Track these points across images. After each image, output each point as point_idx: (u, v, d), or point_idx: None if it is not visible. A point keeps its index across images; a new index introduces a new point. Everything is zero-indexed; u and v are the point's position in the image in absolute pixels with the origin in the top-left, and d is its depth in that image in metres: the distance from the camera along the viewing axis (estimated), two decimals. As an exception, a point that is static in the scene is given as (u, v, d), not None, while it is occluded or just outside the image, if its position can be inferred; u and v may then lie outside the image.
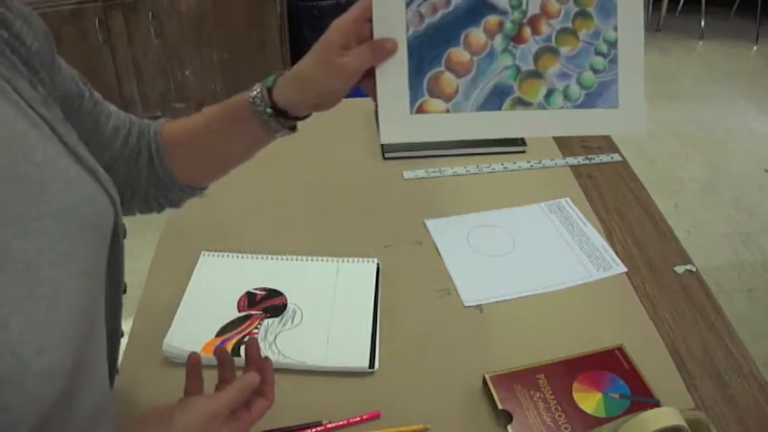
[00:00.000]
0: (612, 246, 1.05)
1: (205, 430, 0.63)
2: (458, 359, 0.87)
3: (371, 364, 0.85)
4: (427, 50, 0.70)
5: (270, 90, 0.72)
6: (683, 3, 4.36)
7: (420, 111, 0.71)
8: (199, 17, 2.70)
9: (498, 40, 0.71)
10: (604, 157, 1.28)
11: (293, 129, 0.76)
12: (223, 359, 0.71)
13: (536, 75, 0.73)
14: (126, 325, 0.90)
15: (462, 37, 0.71)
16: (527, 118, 0.73)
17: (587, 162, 1.26)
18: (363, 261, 1.00)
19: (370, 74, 0.69)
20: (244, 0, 2.73)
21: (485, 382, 0.81)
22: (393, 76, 0.70)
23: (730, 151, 3.16)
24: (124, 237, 0.79)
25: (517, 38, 0.72)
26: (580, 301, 0.96)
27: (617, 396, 0.80)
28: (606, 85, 0.74)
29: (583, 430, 0.75)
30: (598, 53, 0.74)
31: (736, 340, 0.90)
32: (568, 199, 1.15)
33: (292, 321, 0.90)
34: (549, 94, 0.73)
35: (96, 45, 2.63)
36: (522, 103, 0.73)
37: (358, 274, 0.98)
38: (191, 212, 1.12)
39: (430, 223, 1.09)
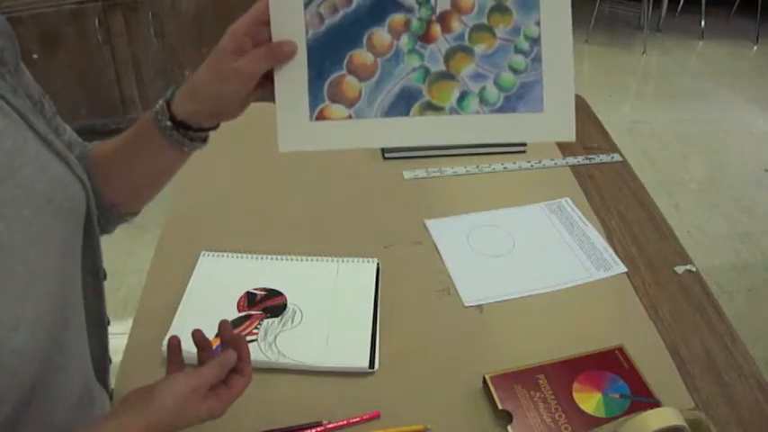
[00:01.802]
0: (612, 246, 1.05)
1: (185, 405, 0.63)
2: (458, 359, 0.87)
3: (371, 364, 0.85)
4: (328, 53, 0.66)
5: (169, 103, 0.70)
6: (683, 3, 4.37)
7: (320, 117, 0.67)
8: (199, 17, 2.70)
9: (405, 40, 0.67)
10: (604, 157, 1.28)
11: (203, 141, 0.73)
12: (201, 343, 0.71)
13: (447, 76, 0.67)
14: (126, 325, 0.91)
15: (365, 38, 0.66)
16: (438, 124, 0.68)
17: (587, 162, 1.26)
18: (363, 261, 1.00)
19: (271, 78, 0.66)
20: (244, 0, 2.73)
21: (485, 382, 0.81)
22: (292, 81, 0.66)
23: (730, 151, 3.16)
24: (102, 228, 0.79)
25: (425, 37, 0.67)
26: (580, 301, 0.96)
27: (617, 396, 0.80)
28: (528, 86, 0.68)
29: (583, 430, 0.75)
30: (518, 51, 0.67)
31: (737, 340, 0.90)
32: (568, 199, 1.15)
33: (292, 321, 0.90)
34: (463, 97, 0.68)
35: (96, 45, 2.62)
36: (431, 107, 0.67)
37: (358, 274, 0.98)
38: (191, 212, 1.13)
39: (430, 223, 1.09)
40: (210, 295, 0.94)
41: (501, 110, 0.68)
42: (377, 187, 1.18)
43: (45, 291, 0.59)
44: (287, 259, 1.00)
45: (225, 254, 1.01)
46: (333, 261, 1.00)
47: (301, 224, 1.09)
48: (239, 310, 0.91)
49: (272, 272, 0.98)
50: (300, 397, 0.81)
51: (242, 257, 1.01)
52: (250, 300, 0.93)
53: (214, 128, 0.73)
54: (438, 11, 0.66)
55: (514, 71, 0.68)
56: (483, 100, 0.68)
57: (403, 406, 0.80)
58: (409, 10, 0.66)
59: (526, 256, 1.04)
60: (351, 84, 0.67)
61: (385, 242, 1.05)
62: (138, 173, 0.77)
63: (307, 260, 1.00)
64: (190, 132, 0.71)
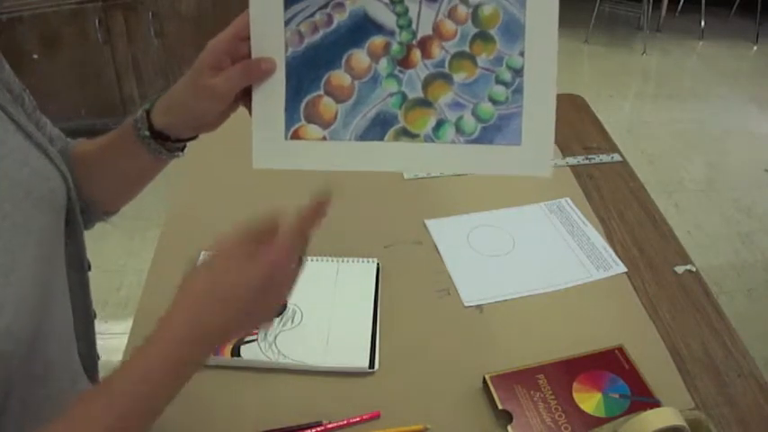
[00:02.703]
0: (612, 246, 1.05)
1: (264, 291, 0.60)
2: (458, 359, 0.86)
3: (371, 364, 0.85)
4: (306, 72, 0.65)
5: (149, 112, 0.71)
6: (683, 3, 4.37)
7: (295, 136, 0.67)
8: (199, 17, 2.70)
9: (383, 64, 0.65)
10: (604, 157, 1.28)
11: (181, 150, 0.74)
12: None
13: (424, 103, 0.65)
14: (126, 325, 0.91)
15: (344, 59, 0.65)
16: (412, 151, 0.67)
17: (587, 162, 1.26)
18: (363, 261, 1.00)
19: (251, 93, 0.66)
20: (243, 0, 2.73)
21: (485, 382, 0.81)
22: (269, 98, 0.66)
23: (730, 151, 3.16)
24: (85, 217, 0.79)
25: (405, 61, 0.65)
26: (580, 301, 0.96)
27: (617, 396, 0.80)
28: (507, 118, 0.66)
29: (583, 430, 0.75)
30: (499, 82, 0.65)
31: (736, 340, 0.90)
32: (568, 199, 1.15)
33: (292, 321, 0.90)
34: (439, 125, 0.66)
35: (96, 45, 2.63)
36: (406, 134, 0.66)
37: (358, 274, 0.98)
38: (191, 212, 1.13)
39: (430, 223, 1.09)
40: (210, 295, 0.94)
41: (477, 141, 0.66)
42: (377, 187, 1.18)
43: (27, 276, 0.60)
44: (287, 259, 1.00)
45: (225, 254, 1.01)
46: (333, 261, 1.00)
47: (301, 224, 1.09)
48: (239, 310, 0.91)
49: (272, 272, 0.98)
50: (300, 397, 0.81)
51: (242, 257, 1.00)
52: (250, 300, 0.93)
53: (192, 138, 0.73)
54: (419, 36, 0.65)
55: (494, 102, 0.66)
56: (459, 129, 0.66)
57: (403, 406, 0.80)
58: (390, 33, 0.65)
59: (526, 256, 1.04)
60: (327, 105, 0.66)
61: (385, 242, 1.05)
62: (117, 174, 0.78)
63: (307, 260, 1.00)
64: (168, 143, 0.72)
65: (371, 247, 1.03)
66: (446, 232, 1.08)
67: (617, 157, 1.28)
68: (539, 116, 0.66)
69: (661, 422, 0.67)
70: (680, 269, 1.02)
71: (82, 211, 0.79)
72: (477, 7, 0.64)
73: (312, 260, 1.01)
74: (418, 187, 1.19)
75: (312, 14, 0.65)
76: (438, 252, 1.04)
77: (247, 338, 0.87)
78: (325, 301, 0.93)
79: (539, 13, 0.64)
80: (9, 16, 2.46)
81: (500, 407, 0.78)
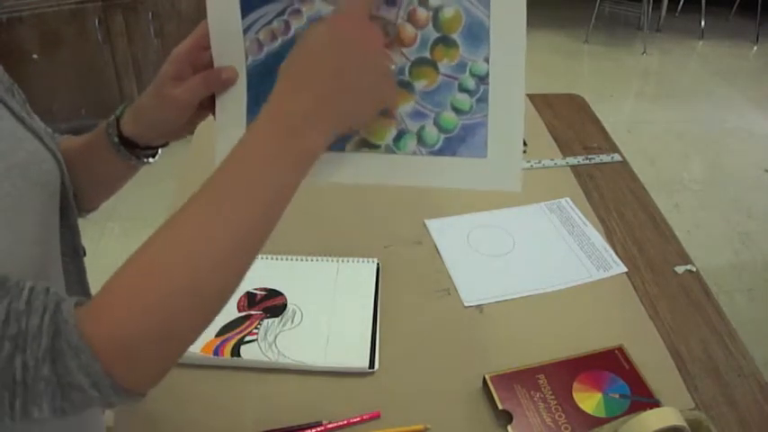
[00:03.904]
0: (612, 246, 1.05)
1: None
2: (458, 359, 0.86)
3: (371, 364, 0.85)
4: (267, 80, 0.61)
5: (119, 120, 0.72)
6: (683, 3, 4.37)
7: None
8: (199, 17, 2.69)
9: None
10: (604, 157, 1.28)
11: (153, 156, 0.75)
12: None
13: (384, 113, 0.62)
14: (126, 325, 0.90)
15: None
16: (373, 162, 0.64)
17: (587, 162, 1.26)
18: (363, 261, 1.00)
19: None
20: (244, 0, 2.73)
21: (485, 382, 0.81)
22: (231, 107, 0.65)
23: (730, 151, 3.16)
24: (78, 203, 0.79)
25: None
26: (580, 301, 0.96)
27: (617, 396, 0.80)
28: (471, 128, 0.62)
29: (583, 430, 0.75)
30: (463, 89, 0.61)
31: (736, 340, 0.90)
32: (568, 199, 1.15)
33: (292, 321, 0.90)
34: (400, 136, 0.63)
35: (96, 45, 2.63)
36: (367, 144, 0.63)
37: (358, 274, 0.98)
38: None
39: (430, 223, 1.09)
40: (210, 295, 0.94)
41: (440, 152, 0.63)
42: (377, 187, 1.18)
43: (27, 253, 0.60)
44: (287, 259, 1.00)
45: (225, 254, 1.01)
46: (333, 261, 1.00)
47: (301, 224, 1.09)
48: (239, 311, 0.92)
49: (272, 272, 0.98)
50: (300, 397, 0.81)
51: (242, 257, 1.00)
52: (250, 300, 0.93)
53: (163, 146, 0.74)
54: None
55: (457, 111, 0.62)
56: (421, 140, 0.63)
57: (403, 406, 0.80)
58: None
59: (526, 256, 1.04)
60: None
61: (385, 242, 1.05)
62: (94, 174, 0.79)
63: (307, 260, 1.00)
64: (137, 150, 0.73)
65: (371, 247, 1.03)
66: (446, 232, 1.08)
67: (617, 157, 1.28)
68: (505, 127, 0.62)
69: (661, 422, 0.67)
70: (680, 269, 1.02)
71: None
72: (437, 10, 0.60)
73: (312, 260, 1.01)
74: (418, 187, 1.19)
75: (270, 22, 0.64)
76: (438, 252, 1.04)
77: (247, 338, 0.87)
78: (325, 301, 0.93)
79: (504, 16, 0.59)
80: (9, 16, 2.46)
81: (500, 407, 0.78)
